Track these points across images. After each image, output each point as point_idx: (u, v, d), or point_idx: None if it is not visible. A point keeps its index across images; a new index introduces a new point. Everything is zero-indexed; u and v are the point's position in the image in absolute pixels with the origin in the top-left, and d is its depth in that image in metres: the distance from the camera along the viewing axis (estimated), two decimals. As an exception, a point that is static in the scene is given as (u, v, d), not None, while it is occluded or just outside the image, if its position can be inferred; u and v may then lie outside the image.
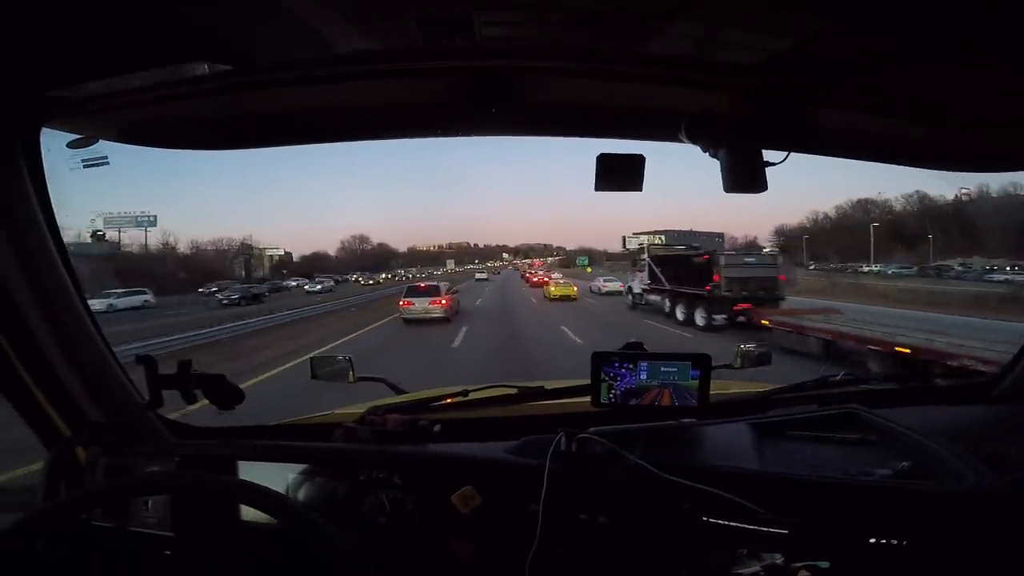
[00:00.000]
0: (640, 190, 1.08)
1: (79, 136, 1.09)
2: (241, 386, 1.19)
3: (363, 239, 74.06)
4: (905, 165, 1.40)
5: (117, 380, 1.20)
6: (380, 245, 78.35)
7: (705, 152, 1.05)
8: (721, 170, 1.03)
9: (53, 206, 1.07)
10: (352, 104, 1.08)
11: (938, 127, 1.15)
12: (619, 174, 1.09)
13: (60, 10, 0.69)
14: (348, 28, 0.82)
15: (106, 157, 1.11)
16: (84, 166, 1.11)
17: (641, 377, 1.12)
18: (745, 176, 1.02)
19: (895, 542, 0.88)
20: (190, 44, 0.83)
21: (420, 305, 14.36)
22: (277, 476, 1.11)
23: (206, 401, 1.16)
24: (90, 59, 0.84)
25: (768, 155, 1.04)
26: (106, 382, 1.18)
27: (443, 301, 14.55)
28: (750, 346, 1.61)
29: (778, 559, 0.90)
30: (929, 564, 0.88)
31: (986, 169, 1.38)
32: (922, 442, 1.06)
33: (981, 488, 0.92)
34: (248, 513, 1.09)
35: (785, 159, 1.07)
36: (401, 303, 14.73)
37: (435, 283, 16.80)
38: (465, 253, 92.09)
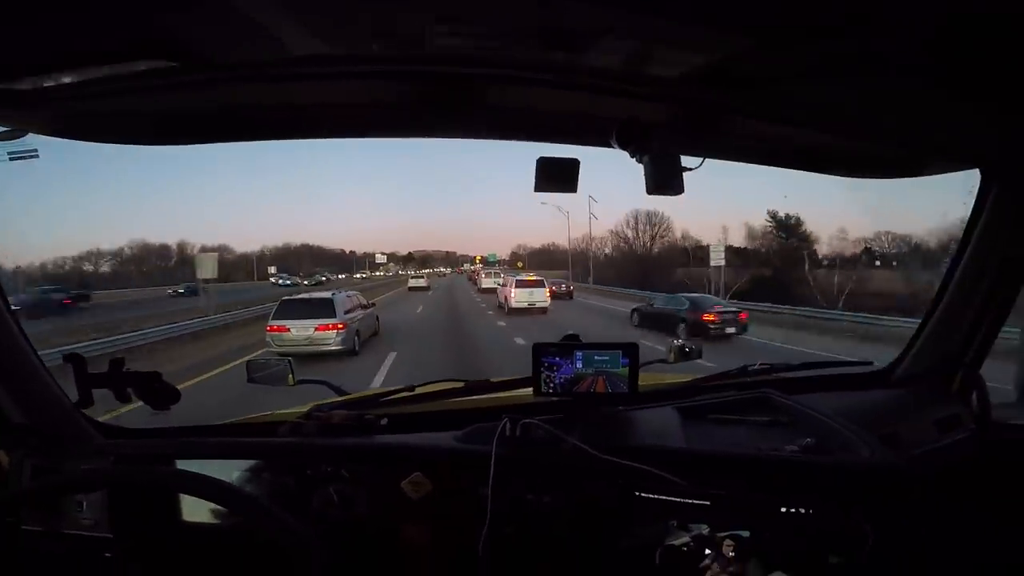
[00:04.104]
0: (575, 191, 1.17)
1: (6, 128, 1.05)
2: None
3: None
4: (810, 171, 1.57)
5: (41, 381, 1.14)
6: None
7: (632, 157, 1.15)
8: (644, 174, 1.13)
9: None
10: (301, 104, 1.10)
11: (841, 136, 1.30)
12: (557, 176, 1.17)
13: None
14: (301, 30, 0.85)
15: (36, 150, 1.08)
16: (11, 159, 1.07)
17: (577, 366, 1.19)
18: (665, 180, 1.13)
19: (803, 511, 0.99)
20: (137, 41, 0.82)
21: (300, 332, 9.04)
22: (220, 475, 1.10)
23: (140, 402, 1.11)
24: (31, 54, 0.82)
25: (686, 161, 1.15)
26: (29, 384, 1.13)
27: (338, 324, 9.19)
28: (681, 342, 1.74)
29: (704, 530, 0.99)
30: (834, 530, 0.99)
31: (885, 175, 1.56)
32: (825, 422, 1.20)
33: (872, 462, 1.06)
34: (189, 510, 1.08)
35: (701, 164, 1.19)
36: (269, 328, 9.34)
37: (327, 295, 10.21)
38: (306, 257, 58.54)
